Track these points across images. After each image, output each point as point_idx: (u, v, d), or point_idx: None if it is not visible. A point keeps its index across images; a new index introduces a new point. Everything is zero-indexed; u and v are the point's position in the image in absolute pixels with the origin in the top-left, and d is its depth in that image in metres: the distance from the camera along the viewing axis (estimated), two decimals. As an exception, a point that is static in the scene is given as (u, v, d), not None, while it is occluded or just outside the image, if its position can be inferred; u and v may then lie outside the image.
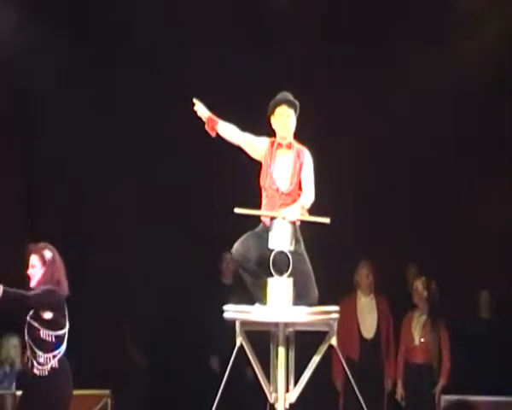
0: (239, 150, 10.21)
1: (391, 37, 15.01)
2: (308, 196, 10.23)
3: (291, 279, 10.14)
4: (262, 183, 10.27)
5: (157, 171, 15.52)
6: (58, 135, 15.13)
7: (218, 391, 9.89)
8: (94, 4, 15.23)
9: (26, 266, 10.80)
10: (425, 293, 13.88)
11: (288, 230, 10.12)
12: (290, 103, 10.31)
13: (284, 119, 10.28)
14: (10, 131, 15.75)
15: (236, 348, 10.15)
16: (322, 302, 10.38)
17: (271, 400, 10.24)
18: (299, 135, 10.37)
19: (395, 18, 15.08)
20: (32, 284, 10.67)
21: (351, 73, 15.05)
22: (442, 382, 13.73)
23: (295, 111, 10.26)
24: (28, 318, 10.53)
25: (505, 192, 14.82)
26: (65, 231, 14.58)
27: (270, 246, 10.06)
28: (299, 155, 10.35)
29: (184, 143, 14.93)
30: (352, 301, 14.03)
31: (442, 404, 13.23)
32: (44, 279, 10.60)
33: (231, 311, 10.31)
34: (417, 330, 13.97)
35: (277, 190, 10.20)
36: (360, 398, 10.49)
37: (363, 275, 14.18)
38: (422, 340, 13.91)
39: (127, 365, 13.28)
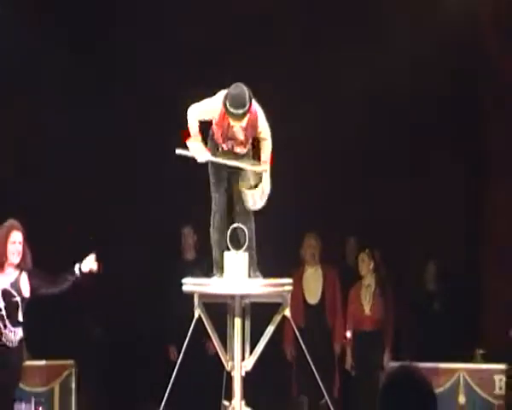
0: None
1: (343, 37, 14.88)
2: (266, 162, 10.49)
3: (247, 253, 10.42)
4: (217, 139, 10.43)
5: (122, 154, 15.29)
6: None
7: (177, 361, 10.30)
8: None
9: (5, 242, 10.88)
10: (371, 264, 13.97)
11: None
12: (240, 117, 10.19)
13: (235, 127, 10.26)
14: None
15: (195, 320, 10.39)
16: (275, 276, 10.69)
17: (228, 368, 10.57)
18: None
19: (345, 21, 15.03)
20: (18, 260, 10.84)
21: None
22: (387, 348, 13.84)
23: (247, 113, 10.13)
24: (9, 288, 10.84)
25: (449, 166, 15.00)
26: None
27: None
28: (253, 122, 10.41)
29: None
30: (299, 273, 14.00)
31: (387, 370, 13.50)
32: (28, 256, 10.92)
33: (189, 284, 10.60)
34: (367, 300, 14.04)
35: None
36: (312, 366, 10.89)
37: (307, 247, 14.19)
38: (371, 310, 13.96)
39: (90, 336, 13.33)
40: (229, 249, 10.48)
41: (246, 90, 10.08)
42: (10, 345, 10.91)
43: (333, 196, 14.95)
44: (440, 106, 15.05)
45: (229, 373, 10.67)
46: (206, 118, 10.38)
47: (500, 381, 12.80)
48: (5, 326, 10.81)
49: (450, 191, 14.99)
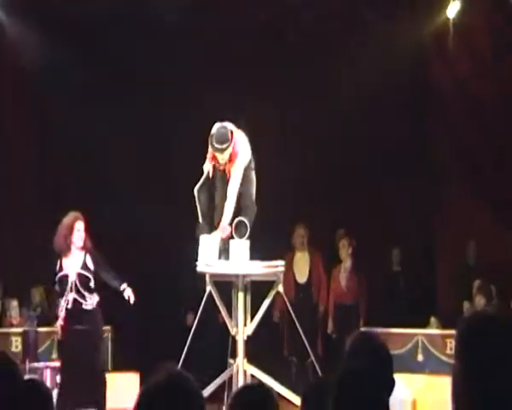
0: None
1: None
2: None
3: (248, 241, 10.75)
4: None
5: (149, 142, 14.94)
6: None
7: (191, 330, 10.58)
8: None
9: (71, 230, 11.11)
10: (350, 249, 14.09)
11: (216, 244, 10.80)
12: (221, 151, 10.63)
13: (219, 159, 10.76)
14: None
15: (206, 294, 10.75)
16: (270, 259, 10.97)
17: (233, 333, 10.89)
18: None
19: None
20: (82, 244, 11.12)
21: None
22: (362, 317, 13.97)
23: (227, 148, 10.57)
24: (80, 270, 11.11)
25: (410, 176, 14.99)
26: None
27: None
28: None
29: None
30: (290, 257, 13.85)
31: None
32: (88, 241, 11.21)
33: (202, 265, 10.87)
34: (344, 278, 14.15)
35: None
36: (301, 332, 11.20)
37: (297, 236, 14.23)
38: (348, 286, 14.09)
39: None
40: (233, 238, 10.76)
41: (227, 130, 10.56)
42: (91, 308, 11.17)
43: (318, 195, 14.91)
44: (401, 125, 15.05)
45: (233, 337, 10.89)
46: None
47: (450, 343, 12.75)
48: (84, 297, 11.07)
49: (411, 194, 15.00)
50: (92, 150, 14.63)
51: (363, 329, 13.21)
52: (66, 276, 11.12)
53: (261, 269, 10.99)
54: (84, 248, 11.20)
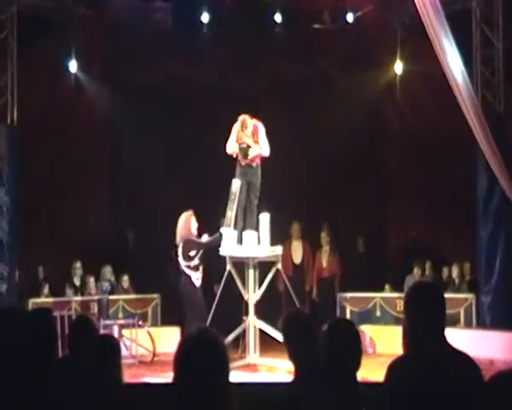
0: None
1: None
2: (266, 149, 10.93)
3: (256, 232, 10.77)
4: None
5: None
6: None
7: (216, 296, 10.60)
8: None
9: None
10: (327, 238, 14.05)
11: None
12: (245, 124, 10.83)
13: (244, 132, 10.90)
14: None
15: (227, 271, 10.84)
16: (273, 244, 11.03)
17: (246, 298, 11.03)
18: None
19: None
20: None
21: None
22: (337, 286, 13.90)
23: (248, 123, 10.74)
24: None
25: (368, 188, 14.89)
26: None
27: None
28: (256, 128, 10.94)
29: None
30: (288, 244, 13.64)
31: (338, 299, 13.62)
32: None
33: (223, 249, 11.01)
34: (324, 259, 14.04)
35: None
36: (293, 295, 11.31)
37: (293, 229, 14.07)
38: (327, 264, 13.98)
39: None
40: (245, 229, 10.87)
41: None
42: (199, 284, 11.18)
43: (308, 201, 14.65)
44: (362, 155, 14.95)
45: (246, 301, 11.02)
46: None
47: (400, 302, 12.55)
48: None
49: (370, 202, 14.91)
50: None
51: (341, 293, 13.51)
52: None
53: (265, 253, 11.07)
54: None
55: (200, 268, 11.22)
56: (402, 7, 13.16)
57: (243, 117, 11.01)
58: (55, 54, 13.86)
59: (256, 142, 11.00)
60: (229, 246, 10.95)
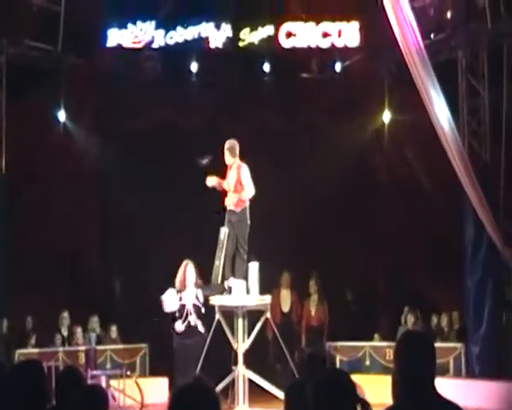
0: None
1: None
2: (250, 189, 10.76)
3: (245, 282, 10.73)
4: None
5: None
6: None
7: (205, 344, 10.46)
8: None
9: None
10: (315, 287, 14.09)
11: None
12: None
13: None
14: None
15: (216, 320, 10.73)
16: (261, 293, 11.00)
17: (235, 347, 10.93)
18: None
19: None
20: (193, 282, 10.88)
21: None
22: (325, 334, 13.88)
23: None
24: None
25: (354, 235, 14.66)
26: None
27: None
28: (239, 169, 10.83)
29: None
30: (277, 292, 13.66)
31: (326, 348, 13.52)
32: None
33: (213, 299, 10.98)
34: (313, 307, 14.07)
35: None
36: (283, 344, 11.23)
37: (284, 279, 14.14)
38: (316, 312, 14.00)
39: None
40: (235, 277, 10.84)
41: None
42: (200, 331, 10.85)
43: (296, 252, 14.54)
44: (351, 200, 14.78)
45: (235, 351, 10.90)
46: None
47: (389, 352, 12.60)
48: (196, 324, 10.81)
49: (357, 253, 14.61)
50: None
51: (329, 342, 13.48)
52: (183, 305, 10.82)
53: (254, 301, 11.02)
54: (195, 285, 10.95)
55: (186, 313, 10.95)
56: (389, 55, 13.30)
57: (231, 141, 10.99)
58: (43, 103, 13.89)
59: (239, 184, 10.93)
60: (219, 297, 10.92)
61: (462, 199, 12.20)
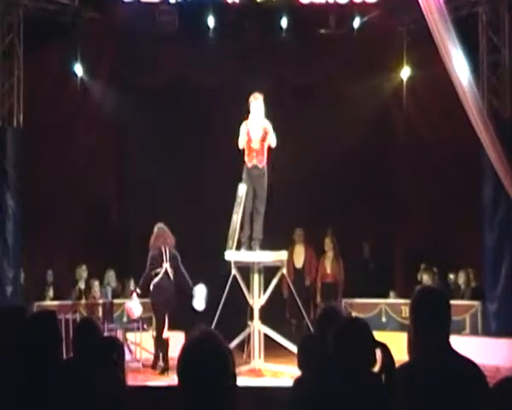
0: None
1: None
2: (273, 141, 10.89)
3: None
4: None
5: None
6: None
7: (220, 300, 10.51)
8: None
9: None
10: (331, 244, 14.08)
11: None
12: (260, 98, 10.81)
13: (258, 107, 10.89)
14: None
15: (232, 276, 10.82)
16: (277, 249, 11.08)
17: (251, 303, 11.04)
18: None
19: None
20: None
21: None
22: (340, 292, 13.96)
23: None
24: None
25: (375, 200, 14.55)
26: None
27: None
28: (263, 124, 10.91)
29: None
30: (291, 249, 13.66)
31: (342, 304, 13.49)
32: None
33: (228, 255, 11.03)
34: (328, 264, 14.08)
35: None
36: (299, 301, 11.31)
37: (296, 234, 14.19)
38: (331, 270, 14.02)
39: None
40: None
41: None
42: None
43: (311, 206, 14.51)
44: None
45: (251, 306, 11.04)
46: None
47: (405, 309, 12.56)
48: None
49: (376, 207, 14.54)
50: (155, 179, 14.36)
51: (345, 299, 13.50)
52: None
53: (270, 257, 11.07)
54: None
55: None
56: (408, 12, 13.13)
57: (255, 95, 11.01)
58: (60, 57, 13.87)
59: (263, 137, 10.97)
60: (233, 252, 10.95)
61: (482, 157, 12.09)
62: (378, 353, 3.98)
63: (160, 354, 11.35)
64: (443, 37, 10.77)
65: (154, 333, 11.50)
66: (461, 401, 3.61)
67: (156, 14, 13.67)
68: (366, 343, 3.98)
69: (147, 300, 11.65)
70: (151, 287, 11.29)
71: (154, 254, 11.34)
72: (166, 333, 11.29)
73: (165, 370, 11.05)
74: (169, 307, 11.21)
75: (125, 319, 13.00)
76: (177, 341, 10.97)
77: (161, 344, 11.23)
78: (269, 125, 10.98)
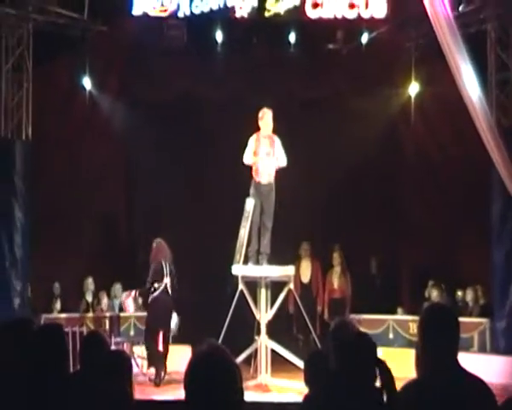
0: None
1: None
2: (283, 160, 10.93)
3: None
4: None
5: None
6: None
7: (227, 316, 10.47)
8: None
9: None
10: (339, 259, 14.04)
11: None
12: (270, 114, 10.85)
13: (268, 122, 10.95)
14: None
15: (238, 291, 10.76)
16: (284, 264, 11.03)
17: (258, 318, 11.00)
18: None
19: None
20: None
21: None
22: (348, 308, 13.86)
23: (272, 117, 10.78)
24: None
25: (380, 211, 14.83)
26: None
27: None
28: (273, 140, 10.96)
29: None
30: (297, 264, 13.54)
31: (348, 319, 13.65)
32: None
33: (236, 269, 11.00)
34: (336, 279, 14.03)
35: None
36: (306, 317, 11.26)
37: (303, 249, 14.18)
38: (338, 286, 13.98)
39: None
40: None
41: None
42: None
43: (318, 220, 14.58)
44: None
45: (258, 321, 10.99)
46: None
47: (413, 325, 12.55)
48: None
49: (383, 225, 14.65)
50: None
51: (352, 315, 13.35)
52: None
53: (277, 272, 11.05)
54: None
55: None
56: (416, 28, 13.12)
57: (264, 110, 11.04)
58: (69, 70, 13.93)
59: (272, 153, 11.00)
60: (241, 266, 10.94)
61: (491, 173, 12.04)
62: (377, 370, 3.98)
63: (155, 369, 11.37)
64: (453, 51, 10.74)
65: (147, 351, 11.56)
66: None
67: (165, 28, 13.70)
68: (370, 359, 3.97)
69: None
70: (149, 300, 11.32)
71: (156, 267, 11.36)
72: (161, 346, 11.33)
73: (158, 383, 11.16)
74: (166, 321, 11.32)
75: (132, 333, 12.99)
76: (183, 355, 10.95)
77: (156, 358, 11.24)
78: (278, 142, 10.98)
